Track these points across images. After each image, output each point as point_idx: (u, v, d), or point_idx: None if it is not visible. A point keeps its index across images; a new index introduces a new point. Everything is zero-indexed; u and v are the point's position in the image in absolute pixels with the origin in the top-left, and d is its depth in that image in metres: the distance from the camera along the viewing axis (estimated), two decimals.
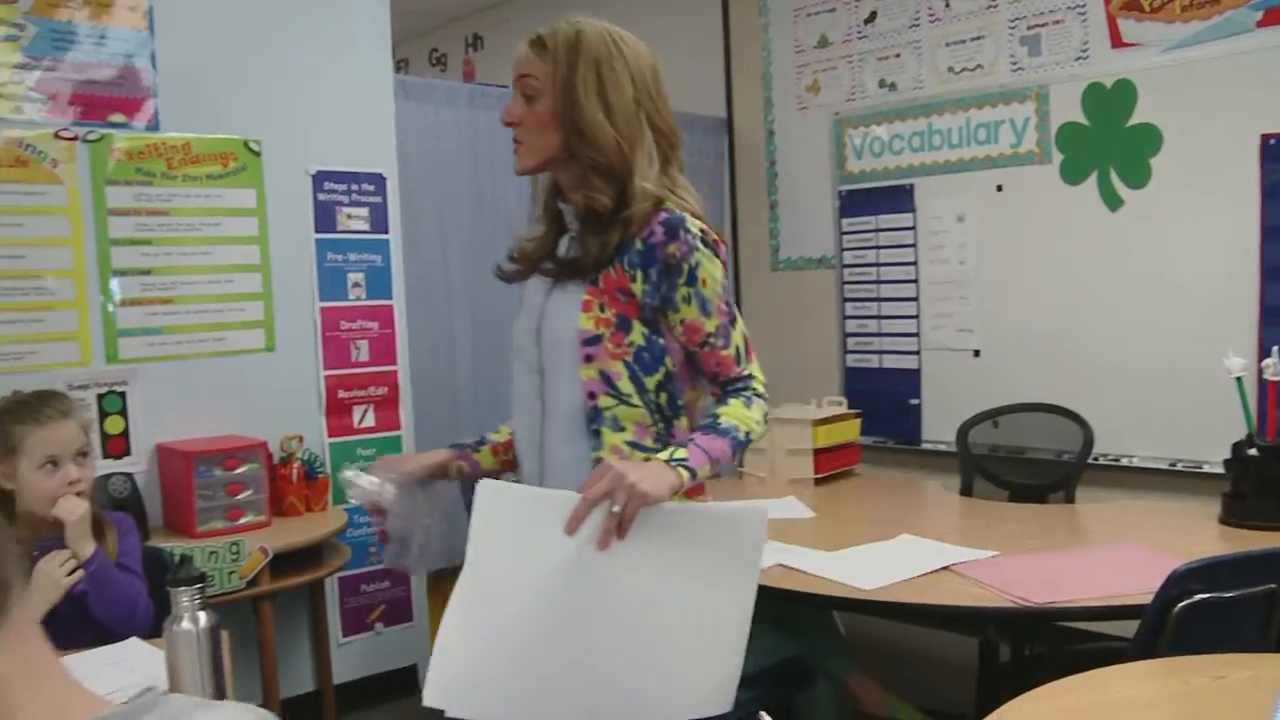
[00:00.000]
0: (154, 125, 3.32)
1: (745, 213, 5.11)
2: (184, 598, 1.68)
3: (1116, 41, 3.80)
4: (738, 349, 1.87)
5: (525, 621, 1.67)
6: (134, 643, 2.09)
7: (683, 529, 1.70)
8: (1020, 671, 2.89)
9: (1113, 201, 3.80)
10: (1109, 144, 3.79)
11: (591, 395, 1.80)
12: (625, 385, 1.80)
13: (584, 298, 1.81)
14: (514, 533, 1.68)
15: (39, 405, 2.30)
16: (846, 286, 4.65)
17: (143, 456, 3.29)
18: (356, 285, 3.72)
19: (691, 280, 1.79)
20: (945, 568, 2.56)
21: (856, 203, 4.57)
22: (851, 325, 4.65)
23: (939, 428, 4.32)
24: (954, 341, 4.30)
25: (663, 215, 1.79)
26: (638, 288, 1.79)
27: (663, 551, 1.67)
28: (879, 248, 4.51)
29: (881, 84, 4.51)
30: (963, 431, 3.77)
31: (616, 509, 1.60)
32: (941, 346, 4.34)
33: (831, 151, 4.65)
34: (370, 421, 3.77)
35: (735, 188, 5.13)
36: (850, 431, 3.82)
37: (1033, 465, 3.77)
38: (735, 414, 1.81)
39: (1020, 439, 3.83)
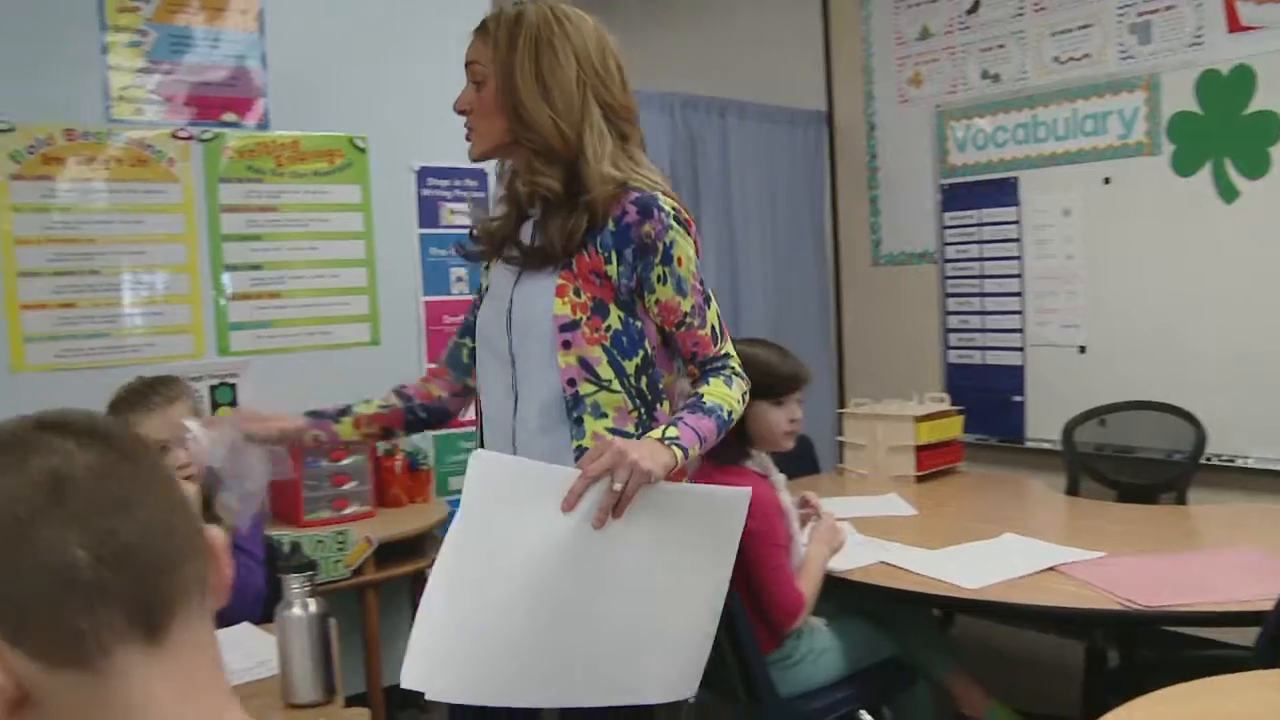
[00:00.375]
0: (264, 124, 3.41)
1: (845, 207, 5.06)
2: (295, 584, 1.72)
3: (1234, 25, 3.67)
4: (713, 328, 1.85)
5: (512, 600, 1.63)
6: (245, 627, 2.13)
7: (670, 510, 1.68)
8: (1129, 677, 2.82)
9: (1228, 193, 3.68)
10: (1224, 133, 3.67)
11: (571, 382, 1.77)
12: (605, 370, 1.77)
13: (557, 282, 1.77)
14: (504, 506, 1.64)
15: (147, 393, 2.37)
16: (948, 281, 4.58)
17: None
18: (459, 279, 3.78)
19: (667, 259, 1.77)
20: (1051, 568, 2.52)
21: (959, 196, 4.50)
22: (953, 321, 4.57)
23: (1043, 425, 4.23)
24: (1059, 337, 4.20)
25: (634, 194, 1.76)
26: (612, 270, 1.77)
27: (650, 532, 1.65)
28: (982, 242, 4.43)
29: (984, 75, 4.42)
30: (1068, 429, 3.69)
31: (618, 487, 1.59)
32: (1046, 342, 4.25)
33: (933, 145, 4.58)
34: (473, 414, 3.81)
35: (835, 182, 5.09)
36: (953, 428, 3.76)
37: (1141, 465, 3.67)
38: (718, 393, 1.80)
39: (1128, 438, 3.74)
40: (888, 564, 2.64)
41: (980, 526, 2.95)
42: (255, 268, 3.42)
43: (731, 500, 1.75)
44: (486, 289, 1.94)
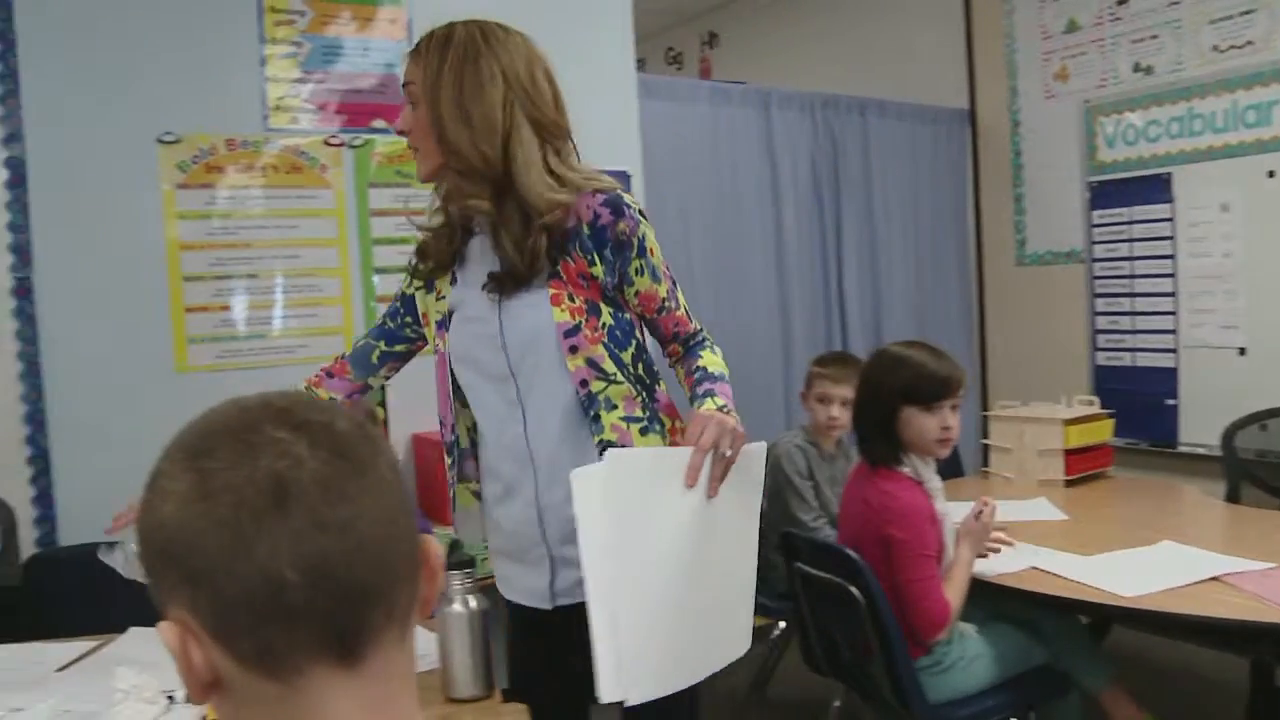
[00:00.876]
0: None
1: (989, 206, 4.95)
2: (456, 581, 1.76)
3: None
4: (685, 308, 1.96)
5: (667, 586, 1.70)
6: None
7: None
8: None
9: None
10: None
11: (584, 383, 1.82)
12: (609, 365, 1.83)
13: (550, 292, 1.80)
14: (639, 499, 1.68)
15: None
16: (1097, 281, 4.44)
17: (399, 446, 3.46)
18: None
19: (641, 252, 1.84)
20: (1214, 578, 2.42)
21: (1108, 194, 4.36)
22: (1102, 322, 4.43)
23: (1198, 429, 4.08)
24: (1216, 339, 4.04)
25: (600, 196, 1.80)
26: (597, 270, 1.81)
27: (721, 496, 1.73)
28: (1132, 240, 4.28)
29: (1136, 68, 4.27)
30: (1229, 434, 3.54)
31: (728, 453, 1.69)
32: (1202, 344, 4.09)
33: (1081, 141, 4.44)
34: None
35: (978, 181, 4.98)
36: (1103, 432, 3.65)
37: None
38: (716, 362, 1.92)
39: None
40: (1040, 569, 2.58)
41: (1136, 533, 2.86)
42: (404, 271, 3.49)
43: (756, 453, 1.80)
44: (448, 313, 1.92)
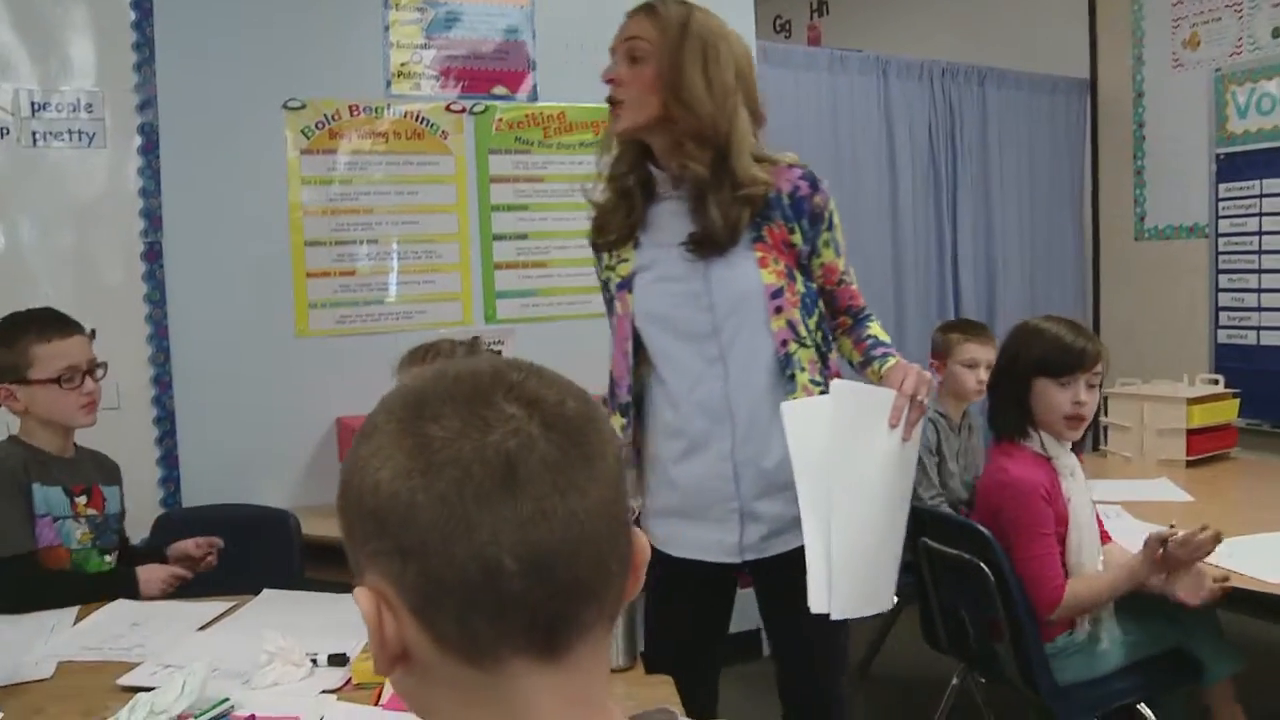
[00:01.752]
0: (533, 96, 3.51)
1: (1107, 179, 4.82)
2: None
3: None
4: (857, 284, 2.09)
5: (869, 515, 1.85)
6: None
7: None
8: None
9: None
10: None
11: (784, 343, 1.93)
12: (802, 330, 1.95)
13: (757, 255, 1.92)
14: (854, 429, 1.83)
15: (410, 351, 2.37)
16: (1222, 257, 4.30)
17: (322, 430, 3.30)
18: None
19: (831, 225, 1.99)
20: None
21: (1237, 166, 4.21)
22: (1225, 299, 4.30)
23: None
24: None
25: (798, 170, 1.96)
26: (797, 239, 1.95)
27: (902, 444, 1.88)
28: (1262, 215, 4.14)
29: (1275, 34, 4.10)
30: None
31: (925, 401, 1.85)
32: None
33: (1210, 111, 4.29)
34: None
35: (1097, 153, 4.85)
36: (1228, 412, 3.55)
37: None
38: (883, 334, 2.05)
39: None
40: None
41: (1267, 516, 2.78)
42: (522, 237, 3.52)
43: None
44: (631, 274, 2.00)
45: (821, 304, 2.02)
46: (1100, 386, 2.44)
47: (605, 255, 2.10)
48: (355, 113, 3.28)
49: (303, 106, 3.21)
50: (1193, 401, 3.42)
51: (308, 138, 3.22)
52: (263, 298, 3.19)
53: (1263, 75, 4.13)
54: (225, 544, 2.42)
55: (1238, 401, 3.57)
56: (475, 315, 3.47)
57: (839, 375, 2.00)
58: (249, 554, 2.54)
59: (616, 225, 2.03)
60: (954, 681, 2.87)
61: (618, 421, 2.04)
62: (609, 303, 2.14)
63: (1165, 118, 4.55)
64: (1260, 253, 4.16)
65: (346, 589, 2.08)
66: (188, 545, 2.38)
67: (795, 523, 1.86)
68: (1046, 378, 2.37)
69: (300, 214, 3.22)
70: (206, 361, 3.11)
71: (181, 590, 2.28)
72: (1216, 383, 3.64)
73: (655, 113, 1.89)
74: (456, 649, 0.68)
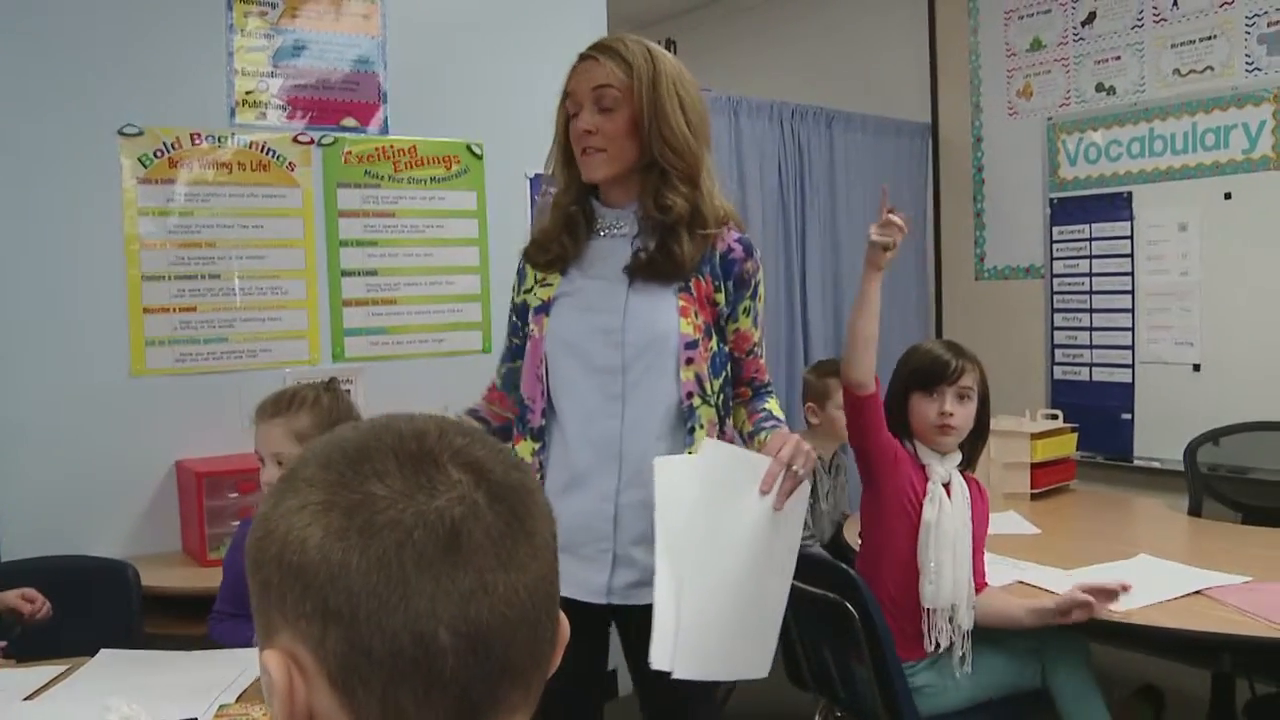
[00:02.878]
0: (383, 129, 3.42)
1: (948, 221, 4.99)
2: None
3: None
4: (765, 360, 2.11)
5: (724, 579, 1.81)
6: None
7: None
8: (1268, 710, 2.74)
9: None
10: None
11: (689, 395, 1.92)
12: (708, 387, 1.95)
13: (680, 304, 1.92)
14: (719, 489, 1.80)
15: (270, 400, 2.29)
16: (1056, 297, 4.50)
17: (159, 474, 3.11)
18: None
19: (754, 295, 2.01)
20: (1198, 592, 2.44)
21: (1069, 211, 4.42)
22: (1060, 337, 4.49)
23: (1152, 444, 4.16)
24: (1172, 355, 4.11)
25: (735, 234, 1.98)
26: (720, 298, 1.96)
27: (776, 515, 1.84)
28: (1092, 257, 4.35)
29: (1099, 88, 4.34)
30: (1191, 449, 3.60)
31: (801, 473, 1.81)
32: (1158, 360, 4.16)
33: (1043, 158, 4.50)
34: None
35: (939, 195, 5.02)
36: (1067, 446, 3.69)
37: (1261, 486, 3.57)
38: (779, 411, 2.06)
39: (1244, 458, 3.64)
40: (1026, 584, 2.58)
41: (1110, 547, 2.90)
42: (371, 273, 3.42)
43: (799, 495, 1.87)
44: (552, 299, 2.00)
45: (729, 369, 2.03)
46: (981, 401, 2.53)
47: (529, 277, 2.08)
48: (197, 141, 3.12)
49: (140, 133, 3.04)
50: (1036, 436, 3.54)
51: (145, 166, 3.05)
52: (95, 335, 2.99)
53: (1089, 126, 4.35)
54: (51, 600, 2.24)
55: (1076, 436, 3.71)
56: (323, 353, 3.34)
57: (733, 443, 2.00)
58: (81, 610, 2.36)
59: (554, 251, 2.01)
60: (816, 718, 2.88)
61: (528, 447, 2.00)
62: (517, 327, 2.14)
63: (1002, 163, 4.74)
64: (1091, 293, 4.37)
65: (191, 644, 1.94)
66: (9, 597, 2.19)
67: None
68: (918, 390, 2.50)
69: (137, 246, 3.04)
70: (30, 402, 2.89)
71: None
72: (1056, 417, 3.78)
73: (635, 158, 1.92)
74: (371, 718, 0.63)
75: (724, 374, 2.00)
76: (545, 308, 2.01)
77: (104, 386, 2.99)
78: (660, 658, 1.75)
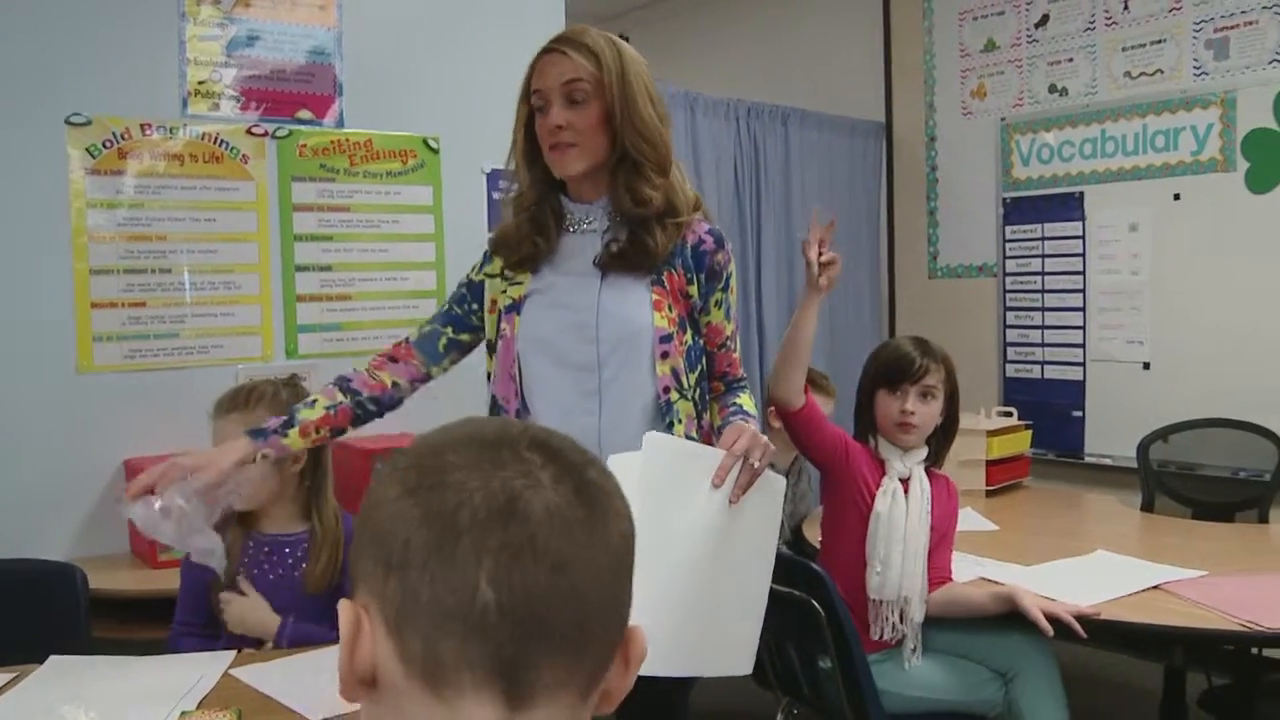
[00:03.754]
0: (339, 122, 3.36)
1: (902, 219, 5.02)
2: None
3: None
4: (739, 353, 2.09)
5: (677, 574, 1.75)
6: None
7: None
8: (1223, 700, 2.78)
9: None
10: None
11: (666, 390, 1.90)
12: (684, 381, 1.92)
13: (653, 297, 1.90)
14: (672, 483, 1.75)
15: (228, 395, 2.25)
16: (1008, 295, 4.55)
17: (108, 473, 3.02)
18: None
19: (726, 287, 1.99)
20: (1156, 586, 2.47)
21: (1022, 210, 4.47)
22: (1012, 335, 4.54)
23: (1103, 441, 4.22)
24: (1122, 353, 4.17)
25: (706, 225, 1.98)
26: (693, 290, 1.94)
27: (741, 508, 1.81)
28: (1044, 256, 4.40)
29: (1052, 89, 4.39)
30: (1144, 446, 3.65)
31: (756, 464, 1.78)
32: (1109, 358, 4.22)
33: (996, 157, 4.55)
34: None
35: (892, 193, 5.05)
36: (1021, 443, 3.73)
37: (1210, 482, 3.63)
38: (751, 405, 2.02)
39: (1193, 454, 3.70)
40: (988, 579, 2.60)
41: (1067, 543, 2.93)
42: (326, 269, 3.36)
43: (773, 482, 1.87)
44: (523, 297, 1.97)
45: (704, 362, 2.01)
46: (949, 398, 2.56)
47: (494, 265, 2.04)
48: (148, 131, 3.04)
49: (88, 122, 2.96)
50: (991, 433, 3.57)
51: (94, 156, 2.97)
52: (40, 330, 2.90)
53: (1041, 127, 4.40)
54: None
55: (1030, 433, 3.75)
56: (276, 350, 3.28)
57: (710, 438, 1.97)
58: (26, 615, 2.29)
59: (525, 249, 1.97)
60: (779, 717, 2.87)
61: None
62: (462, 298, 2.11)
63: (956, 162, 4.79)
64: (1043, 291, 4.42)
65: (143, 649, 1.87)
66: None
67: None
68: (883, 387, 2.52)
69: (85, 239, 2.96)
70: None
71: None
72: (1010, 415, 3.81)
73: (606, 152, 1.89)
74: (421, 672, 0.67)
75: (700, 367, 1.98)
76: (516, 307, 1.97)
77: (50, 384, 2.91)
78: None
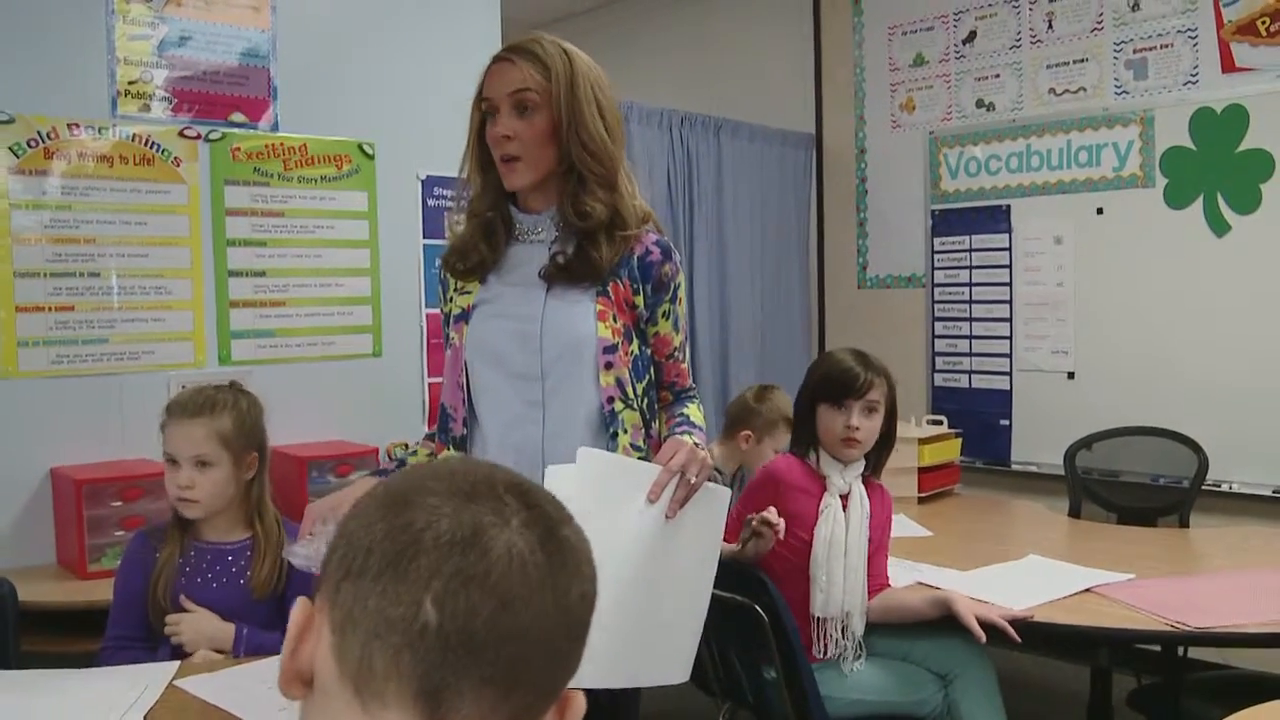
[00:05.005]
0: (274, 125, 3.31)
1: (831, 229, 5.09)
2: None
3: (1229, 66, 3.80)
4: (689, 363, 2.08)
5: (609, 585, 1.71)
6: None
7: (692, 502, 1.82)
8: (1150, 698, 2.86)
9: (1219, 226, 3.78)
10: (1217, 169, 3.78)
11: (610, 400, 1.89)
12: (629, 391, 1.91)
13: (598, 308, 1.89)
14: (605, 498, 1.73)
15: (187, 400, 2.22)
16: (937, 306, 4.63)
17: (34, 482, 2.95)
18: None
19: (674, 298, 1.98)
20: (1087, 590, 2.53)
21: (950, 222, 4.56)
22: (941, 345, 4.63)
23: (1029, 449, 4.31)
24: (1048, 363, 4.28)
25: (654, 236, 1.95)
26: (639, 300, 1.93)
27: (679, 522, 1.79)
28: (972, 267, 4.49)
29: (979, 104, 4.49)
30: (1071, 454, 3.74)
31: (693, 480, 1.76)
32: (1034, 368, 4.32)
33: (925, 170, 4.63)
34: None
35: (822, 204, 5.12)
36: (952, 451, 3.80)
37: (1131, 489, 3.73)
38: (698, 415, 2.01)
39: (1116, 462, 3.80)
40: (925, 584, 2.64)
41: (999, 548, 2.99)
42: (259, 274, 3.31)
43: (715, 494, 1.86)
44: (471, 307, 1.96)
45: (652, 372, 2.00)
46: (888, 413, 2.56)
47: (450, 286, 2.02)
48: (75, 131, 2.97)
49: (11, 120, 2.88)
50: (923, 441, 3.63)
51: (18, 156, 2.89)
52: None
53: (969, 140, 4.49)
54: None
55: (960, 441, 3.82)
56: (209, 356, 3.22)
57: (659, 446, 1.94)
58: None
59: (474, 259, 1.95)
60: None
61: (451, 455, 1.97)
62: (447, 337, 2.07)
63: (885, 174, 4.87)
64: (970, 302, 4.51)
65: (73, 661, 1.84)
66: None
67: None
68: (825, 402, 2.51)
69: (9, 241, 2.88)
70: None
71: None
72: (941, 423, 3.88)
73: (553, 164, 1.87)
74: (353, 676, 0.69)
75: (648, 376, 1.98)
76: (465, 315, 1.96)
77: None
78: None
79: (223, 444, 2.12)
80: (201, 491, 2.10)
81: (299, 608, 0.73)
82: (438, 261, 2.09)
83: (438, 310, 3.55)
